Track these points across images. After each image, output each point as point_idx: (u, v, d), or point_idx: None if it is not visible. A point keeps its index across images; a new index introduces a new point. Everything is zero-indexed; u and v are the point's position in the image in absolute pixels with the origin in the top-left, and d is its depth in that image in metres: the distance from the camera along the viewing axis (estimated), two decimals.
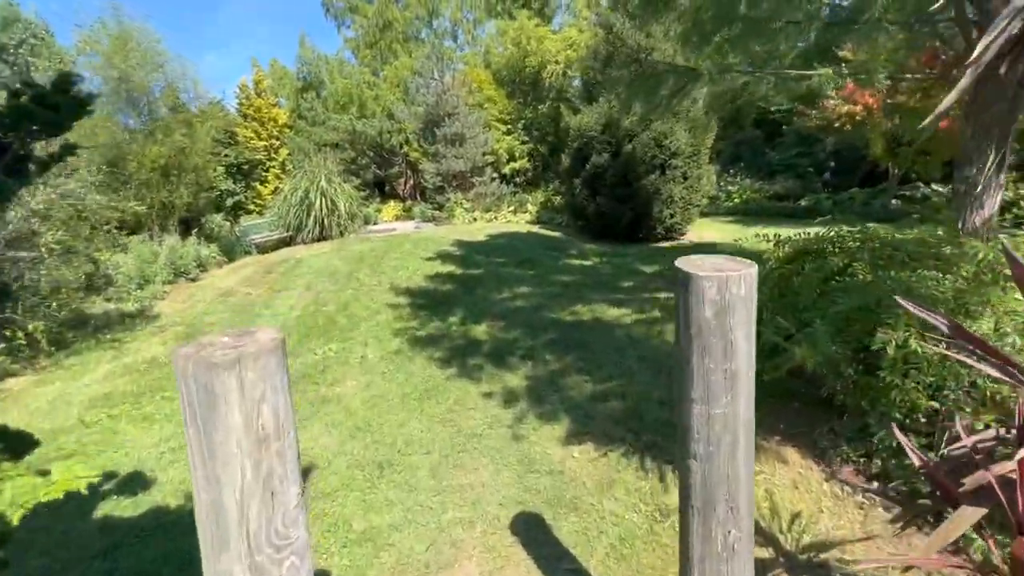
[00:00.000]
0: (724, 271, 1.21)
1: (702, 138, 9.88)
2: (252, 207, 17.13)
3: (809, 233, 3.79)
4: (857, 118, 9.74)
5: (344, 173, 15.29)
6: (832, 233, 3.60)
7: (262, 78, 18.83)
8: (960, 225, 4.01)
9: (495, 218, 14.52)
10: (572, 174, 10.77)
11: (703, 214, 11.80)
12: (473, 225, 13.66)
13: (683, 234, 10.72)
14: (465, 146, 14.86)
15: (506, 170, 16.73)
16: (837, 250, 3.43)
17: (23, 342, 5.26)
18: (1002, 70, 3.23)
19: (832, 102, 9.76)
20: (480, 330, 5.40)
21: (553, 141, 17.76)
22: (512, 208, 14.99)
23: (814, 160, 15.76)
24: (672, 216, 9.98)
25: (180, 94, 9.75)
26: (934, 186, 11.44)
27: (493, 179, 15.57)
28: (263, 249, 12.29)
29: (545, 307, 6.08)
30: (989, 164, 3.83)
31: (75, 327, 6.49)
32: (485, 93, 17.61)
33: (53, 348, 5.82)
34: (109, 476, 2.90)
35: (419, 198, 17.39)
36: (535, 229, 12.47)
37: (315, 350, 5.14)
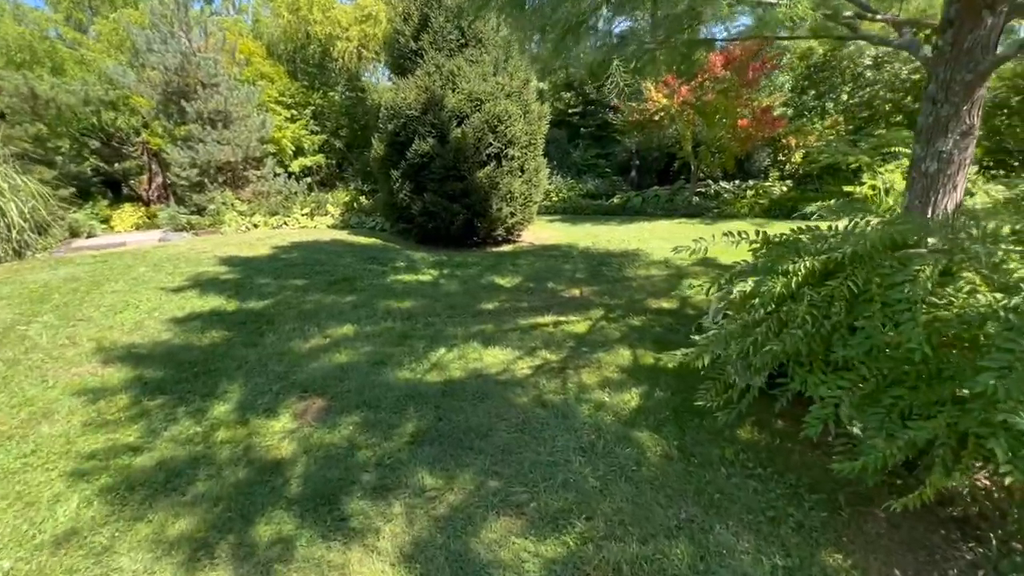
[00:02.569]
0: None
1: (538, 126, 8.68)
2: None
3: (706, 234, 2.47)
4: (673, 111, 9.77)
5: (24, 160, 9.99)
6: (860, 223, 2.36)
7: None
8: (929, 213, 3.25)
9: (284, 223, 11.20)
10: (388, 164, 8.49)
11: None
12: (252, 233, 10.19)
13: (520, 236, 9.46)
14: (232, 128, 11.06)
15: (294, 167, 13.34)
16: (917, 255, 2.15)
17: None
18: None
19: (654, 94, 9.61)
20: (278, 428, 2.90)
21: (348, 135, 14.99)
22: (307, 210, 11.84)
23: (612, 161, 16.58)
24: (513, 215, 8.56)
25: None
26: (722, 183, 12.59)
27: (277, 174, 12.06)
28: None
29: (389, 360, 3.84)
30: (963, 132, 3.12)
31: None
32: (257, 68, 13.82)
33: None
34: None
35: (172, 200, 12.60)
36: (343, 236, 9.78)
37: None
